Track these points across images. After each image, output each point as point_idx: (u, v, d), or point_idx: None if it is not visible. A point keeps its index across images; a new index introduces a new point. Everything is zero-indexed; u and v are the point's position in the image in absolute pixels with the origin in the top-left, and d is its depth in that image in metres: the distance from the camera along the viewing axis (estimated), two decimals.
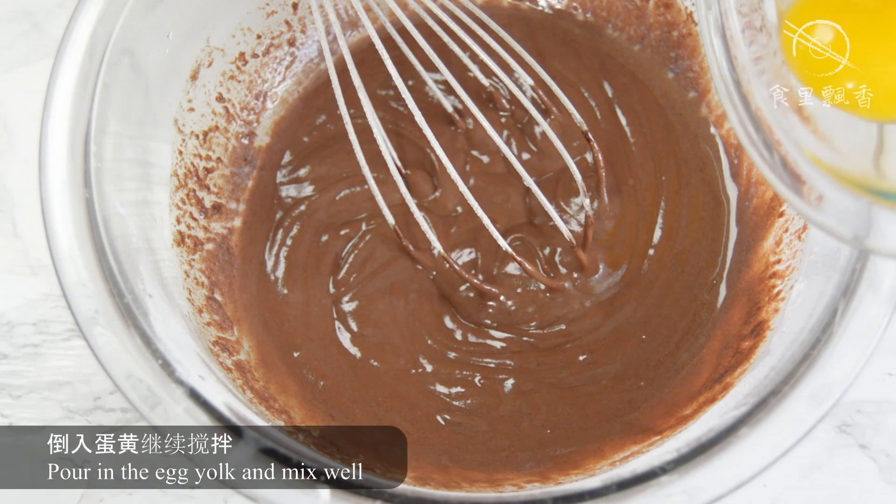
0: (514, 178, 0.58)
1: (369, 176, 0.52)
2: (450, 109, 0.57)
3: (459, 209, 0.58)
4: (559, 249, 0.56)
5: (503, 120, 0.60)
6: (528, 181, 0.51)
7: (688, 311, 0.54)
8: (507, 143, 0.59)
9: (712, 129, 0.58)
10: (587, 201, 0.54)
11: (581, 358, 0.54)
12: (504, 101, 0.59)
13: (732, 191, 0.57)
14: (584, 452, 0.50)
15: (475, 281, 0.54)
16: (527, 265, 0.53)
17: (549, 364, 0.54)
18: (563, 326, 0.55)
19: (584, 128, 0.54)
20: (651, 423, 0.49)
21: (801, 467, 0.55)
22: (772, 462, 0.39)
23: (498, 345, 0.55)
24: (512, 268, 0.56)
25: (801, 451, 0.53)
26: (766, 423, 0.39)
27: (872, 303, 0.41)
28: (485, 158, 0.59)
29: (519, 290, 0.55)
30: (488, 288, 0.54)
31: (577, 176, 0.53)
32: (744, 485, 0.38)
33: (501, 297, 0.55)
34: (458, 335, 0.55)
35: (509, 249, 0.51)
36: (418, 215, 0.51)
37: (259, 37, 0.59)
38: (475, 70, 0.56)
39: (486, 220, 0.50)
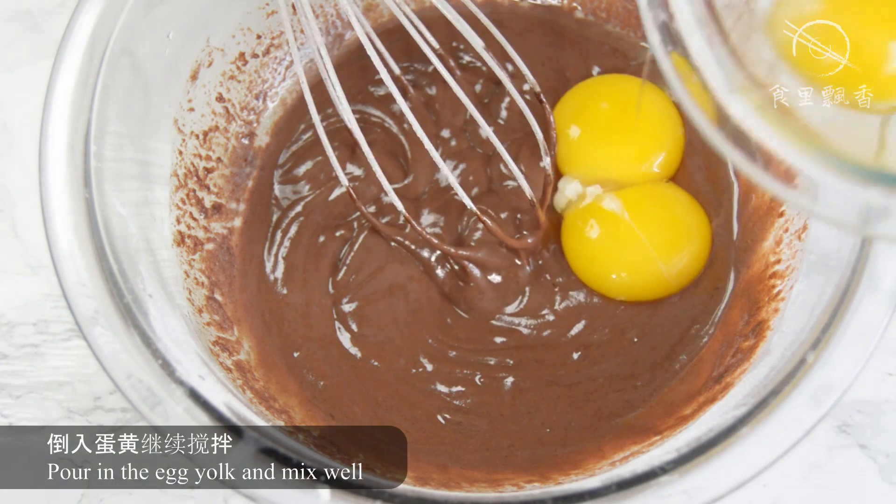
0: (475, 152, 0.59)
1: (326, 142, 0.54)
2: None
3: (427, 190, 0.59)
4: (518, 216, 0.57)
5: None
6: (495, 140, 0.52)
7: (685, 316, 0.54)
8: (470, 123, 0.60)
9: None
10: (548, 160, 0.55)
11: (575, 355, 0.54)
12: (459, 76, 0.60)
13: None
14: (584, 452, 0.50)
15: (434, 242, 0.55)
16: (489, 222, 0.54)
17: (546, 361, 0.54)
18: (552, 318, 0.55)
19: (537, 89, 0.55)
20: (651, 423, 0.49)
21: (801, 467, 0.55)
22: (772, 462, 0.39)
23: (498, 340, 0.55)
24: (472, 241, 0.57)
25: (801, 451, 0.53)
26: (766, 423, 0.39)
27: (872, 303, 0.41)
28: (452, 141, 0.60)
29: (487, 257, 0.56)
30: (447, 248, 0.55)
31: (539, 135, 0.54)
32: (744, 485, 0.38)
33: (479, 273, 0.56)
34: (459, 333, 0.55)
35: (474, 208, 0.53)
36: (387, 187, 0.52)
37: (259, 37, 0.59)
38: (429, 52, 0.56)
39: (455, 183, 0.52)
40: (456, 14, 0.54)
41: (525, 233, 0.56)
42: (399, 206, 0.53)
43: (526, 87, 0.58)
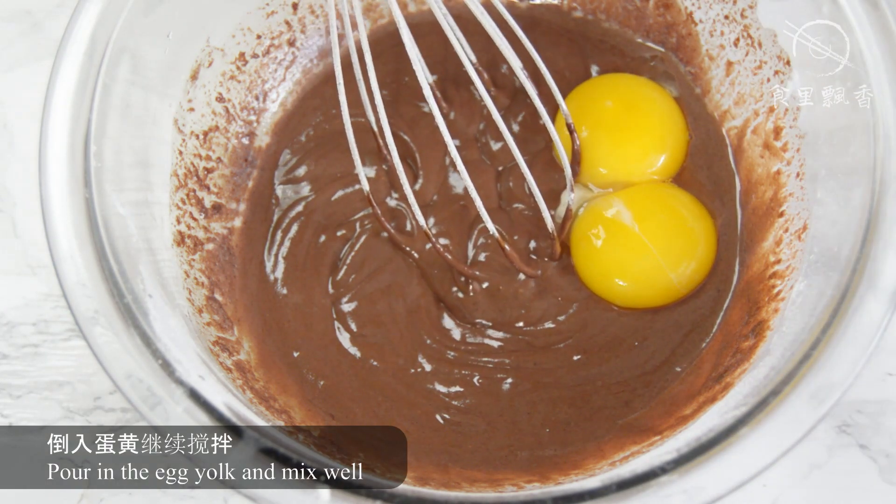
0: (485, 164, 0.59)
1: (353, 145, 0.54)
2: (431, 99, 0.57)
3: (436, 197, 0.58)
4: (532, 242, 0.57)
5: (484, 111, 0.60)
6: (525, 171, 0.52)
7: (686, 320, 0.54)
8: (483, 133, 0.60)
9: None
10: (572, 196, 0.55)
11: (575, 358, 0.54)
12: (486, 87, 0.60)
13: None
14: (584, 452, 0.50)
15: (449, 258, 0.55)
16: (506, 246, 0.53)
17: (545, 363, 0.54)
18: (552, 325, 0.55)
19: (569, 120, 0.55)
20: (651, 423, 0.49)
21: (801, 467, 0.55)
22: (772, 462, 0.39)
23: (495, 344, 0.55)
24: (482, 257, 0.57)
25: (801, 451, 0.53)
26: (766, 423, 0.39)
27: (872, 303, 0.41)
28: (463, 151, 0.59)
29: (487, 284, 0.56)
30: (462, 266, 0.55)
31: (568, 171, 0.54)
32: (744, 485, 0.38)
33: (479, 286, 0.56)
34: (457, 335, 0.55)
35: (496, 234, 0.52)
36: (408, 189, 0.52)
37: (259, 37, 0.59)
38: (462, 52, 0.56)
39: (479, 202, 0.51)
40: (500, 34, 0.53)
41: (546, 260, 0.56)
42: (421, 221, 0.53)
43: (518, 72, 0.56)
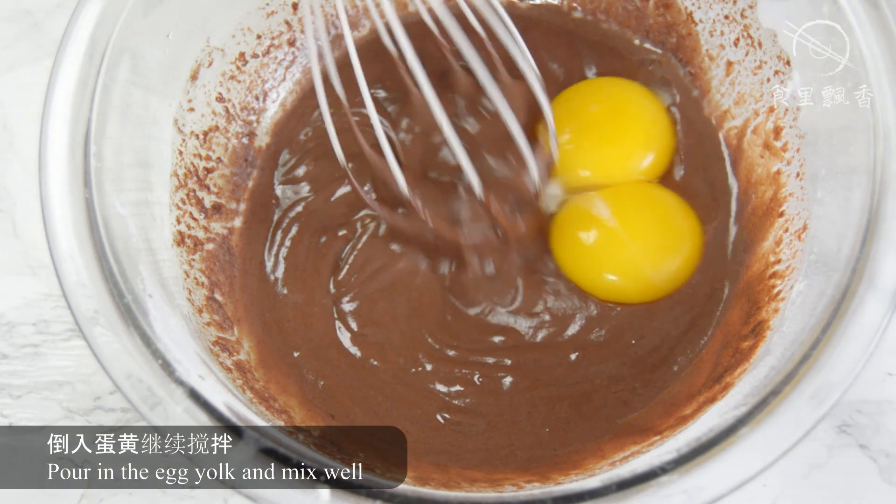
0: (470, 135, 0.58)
1: (325, 108, 0.53)
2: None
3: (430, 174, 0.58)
4: (509, 207, 0.56)
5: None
6: (512, 122, 0.52)
7: (683, 318, 0.54)
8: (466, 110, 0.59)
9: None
10: (555, 147, 0.54)
11: (573, 356, 0.54)
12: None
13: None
14: (584, 452, 0.50)
15: (431, 222, 0.54)
16: (493, 203, 0.53)
17: (544, 361, 0.54)
18: (548, 317, 0.55)
19: (551, 121, 0.54)
20: (651, 423, 0.49)
21: (801, 467, 0.55)
22: (772, 462, 0.39)
23: (496, 340, 0.55)
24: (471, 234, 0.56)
25: (801, 451, 0.53)
26: (766, 423, 0.39)
27: (872, 303, 0.41)
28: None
29: (491, 267, 0.56)
30: (452, 233, 0.55)
31: (552, 125, 0.53)
32: (744, 485, 0.38)
33: (479, 269, 0.56)
34: (459, 331, 0.55)
35: (478, 189, 0.52)
36: (390, 158, 0.52)
37: (259, 37, 0.59)
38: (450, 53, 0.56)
39: (465, 162, 0.51)
40: (464, 39, 0.53)
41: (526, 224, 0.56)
42: (402, 184, 0.52)
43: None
